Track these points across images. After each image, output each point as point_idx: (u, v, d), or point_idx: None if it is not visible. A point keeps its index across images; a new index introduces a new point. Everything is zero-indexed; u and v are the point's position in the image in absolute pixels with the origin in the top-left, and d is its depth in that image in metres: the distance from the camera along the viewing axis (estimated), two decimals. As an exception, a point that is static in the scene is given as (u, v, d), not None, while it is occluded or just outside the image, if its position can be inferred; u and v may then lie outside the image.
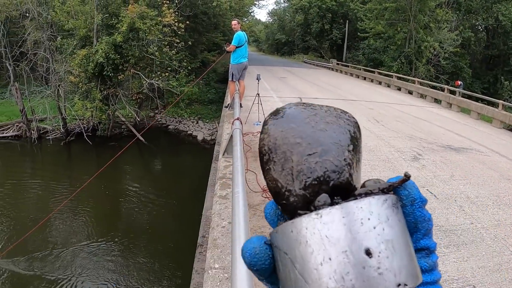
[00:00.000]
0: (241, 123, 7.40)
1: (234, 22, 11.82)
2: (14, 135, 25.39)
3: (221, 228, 4.91)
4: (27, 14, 26.27)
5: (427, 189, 6.84)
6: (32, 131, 24.65)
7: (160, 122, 27.76)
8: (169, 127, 27.76)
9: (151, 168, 22.73)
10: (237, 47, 11.46)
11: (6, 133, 25.49)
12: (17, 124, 25.66)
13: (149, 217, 15.19)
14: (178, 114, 28.59)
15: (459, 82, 26.64)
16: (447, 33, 35.12)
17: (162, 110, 26.79)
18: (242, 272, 2.52)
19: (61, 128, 24.61)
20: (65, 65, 23.83)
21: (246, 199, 3.81)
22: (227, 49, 11.87)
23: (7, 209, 15.08)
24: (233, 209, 3.55)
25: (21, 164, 21.53)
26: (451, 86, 23.53)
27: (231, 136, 6.83)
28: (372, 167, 7.86)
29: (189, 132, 26.79)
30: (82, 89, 23.48)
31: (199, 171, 19.45)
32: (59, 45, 24.28)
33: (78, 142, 23.89)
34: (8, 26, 29.24)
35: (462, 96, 19.57)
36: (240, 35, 11.37)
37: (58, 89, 24.52)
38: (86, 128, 24.05)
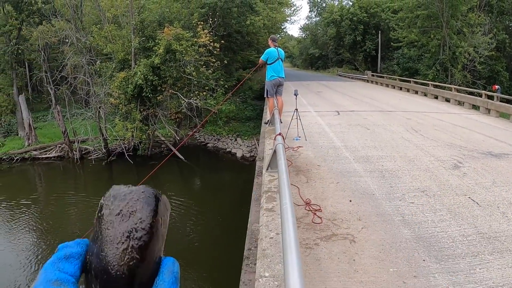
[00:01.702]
0: (283, 138, 7.64)
1: (268, 40, 12.12)
2: (57, 156, 26.42)
3: (269, 239, 5.09)
4: (66, 40, 27.25)
5: (469, 197, 6.88)
6: (74, 152, 25.57)
7: (199, 140, 28.20)
8: (208, 145, 28.18)
9: (191, 185, 23.06)
10: (269, 64, 11.64)
11: (49, 154, 26.51)
12: (59, 145, 26.65)
13: (193, 232, 15.45)
14: (216, 132, 29.00)
15: (497, 86, 26.19)
16: (481, 37, 34.62)
17: (201, 128, 27.21)
18: (294, 279, 2.66)
19: (103, 148, 25.40)
20: (104, 88, 24.59)
21: (294, 210, 3.98)
22: (259, 65, 12.21)
23: (52, 224, 15.73)
24: (282, 220, 3.71)
25: (65, 182, 22.31)
26: (489, 91, 23.19)
27: (274, 151, 7.05)
28: (413, 177, 7.93)
29: (228, 150, 27.11)
30: (122, 110, 24.15)
31: (239, 187, 19.73)
32: (98, 69, 25.16)
33: (119, 162, 24.55)
34: (48, 52, 30.52)
35: (500, 101, 19.22)
36: (270, 51, 11.54)
37: (98, 111, 25.32)
38: (127, 148, 24.70)
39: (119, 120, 24.22)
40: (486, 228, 5.72)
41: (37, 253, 14.17)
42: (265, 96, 12.72)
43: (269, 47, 11.90)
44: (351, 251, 5.00)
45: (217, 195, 19.98)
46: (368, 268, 4.60)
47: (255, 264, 4.69)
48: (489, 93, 20.53)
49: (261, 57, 11.85)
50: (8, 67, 30.41)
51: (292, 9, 53.87)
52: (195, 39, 24.16)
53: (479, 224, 5.84)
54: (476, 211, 6.30)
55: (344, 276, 4.43)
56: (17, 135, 30.01)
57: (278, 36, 50.66)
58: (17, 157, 26.32)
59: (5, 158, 26.34)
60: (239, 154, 26.08)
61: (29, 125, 27.72)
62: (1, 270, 13.05)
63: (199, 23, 25.06)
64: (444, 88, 25.56)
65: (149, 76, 22.62)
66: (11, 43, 29.26)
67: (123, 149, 24.60)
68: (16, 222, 17.12)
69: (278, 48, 11.77)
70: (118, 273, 0.75)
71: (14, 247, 14.96)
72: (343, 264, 4.69)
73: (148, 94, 23.04)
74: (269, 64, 11.61)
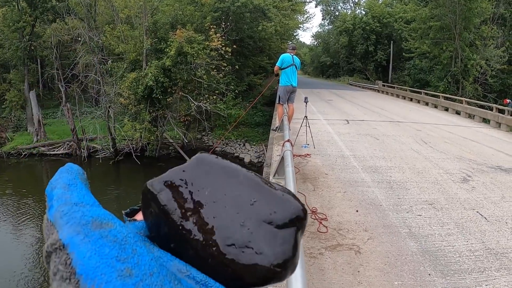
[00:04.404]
0: (292, 145, 7.61)
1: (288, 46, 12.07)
2: (65, 153, 26.57)
3: (274, 247, 5.06)
4: (79, 39, 27.43)
5: (477, 211, 6.82)
6: (82, 150, 25.73)
7: (207, 144, 28.22)
8: (216, 149, 28.20)
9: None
10: (282, 69, 11.51)
11: (57, 150, 26.68)
12: (68, 142, 26.81)
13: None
14: (225, 136, 29.04)
15: (508, 101, 25.96)
16: (493, 50, 34.49)
17: (229, 133, 27.14)
18: None
19: (111, 147, 25.51)
20: (115, 87, 24.67)
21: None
22: (275, 72, 12.10)
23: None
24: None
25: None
26: (500, 104, 23.05)
27: (282, 157, 7.02)
28: (421, 189, 7.88)
29: (236, 154, 27.09)
30: (132, 111, 24.24)
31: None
32: (109, 68, 25.26)
33: (127, 162, 24.61)
34: (60, 49, 30.72)
35: (511, 115, 19.15)
36: (284, 57, 11.38)
37: (108, 110, 25.40)
38: (134, 149, 24.77)
39: (128, 120, 24.29)
40: (494, 244, 5.66)
41: (41, 247, 14.20)
42: (276, 102, 12.56)
43: (284, 52, 11.81)
44: (356, 262, 4.96)
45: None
46: (372, 280, 4.56)
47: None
48: (500, 107, 20.43)
49: (276, 64, 11.70)
50: (21, 63, 30.56)
51: (305, 16, 54.07)
52: (207, 43, 24.21)
53: (487, 239, 5.79)
54: (484, 226, 6.25)
55: (348, 288, 4.39)
56: (26, 130, 30.19)
57: (290, 43, 50.77)
58: (25, 152, 26.50)
59: (13, 153, 26.52)
60: (247, 159, 26.06)
61: (39, 121, 27.88)
62: (6, 263, 13.14)
63: (211, 26, 25.13)
64: (454, 100, 25.46)
65: (159, 78, 22.69)
66: (24, 39, 29.43)
67: (131, 149, 24.66)
68: (22, 216, 17.27)
69: (294, 56, 11.61)
70: None
71: (19, 240, 15.08)
72: (347, 275, 4.65)
73: (158, 95, 23.08)
74: (282, 69, 11.47)
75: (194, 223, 0.52)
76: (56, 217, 0.46)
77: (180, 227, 0.52)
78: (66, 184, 0.53)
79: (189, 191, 0.56)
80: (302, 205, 0.58)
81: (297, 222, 0.56)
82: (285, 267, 0.51)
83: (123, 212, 0.61)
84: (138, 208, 0.61)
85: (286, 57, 11.37)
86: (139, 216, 0.59)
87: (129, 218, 0.59)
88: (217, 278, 0.49)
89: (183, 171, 0.58)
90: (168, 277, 0.42)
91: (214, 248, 0.49)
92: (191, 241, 0.51)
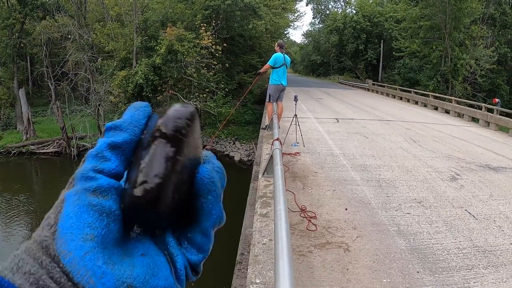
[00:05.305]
0: (281, 143, 7.60)
1: (275, 44, 12.03)
2: (54, 151, 26.40)
3: (262, 245, 5.07)
4: (69, 36, 27.29)
5: (465, 209, 6.86)
6: (72, 148, 25.54)
7: (197, 142, 28.09)
8: (206, 147, 28.02)
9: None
10: (273, 68, 11.54)
11: (46, 149, 26.51)
12: (57, 141, 26.65)
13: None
14: (215, 135, 28.99)
15: (497, 100, 26.21)
16: (483, 49, 34.74)
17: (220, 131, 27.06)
18: (285, 287, 2.61)
19: (100, 146, 25.32)
20: (105, 86, 24.58)
21: (287, 216, 3.94)
22: (261, 70, 12.07)
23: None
24: (276, 226, 3.67)
25: (60, 178, 22.24)
26: (489, 104, 23.23)
27: (271, 156, 7.01)
28: (410, 188, 7.91)
29: (226, 153, 27.03)
30: (122, 109, 24.06)
31: (236, 191, 19.63)
32: (99, 66, 25.16)
33: (116, 160, 24.47)
34: (50, 47, 30.53)
35: (500, 114, 19.26)
36: (277, 56, 11.42)
37: (98, 109, 25.32)
38: (124, 147, 24.60)
39: (118, 119, 24.10)
40: (482, 242, 5.70)
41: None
42: (266, 101, 12.60)
43: (275, 52, 11.80)
44: (345, 260, 4.97)
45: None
46: (361, 278, 4.57)
47: (247, 269, 4.66)
48: (489, 106, 20.60)
49: (268, 62, 11.67)
50: (10, 60, 30.34)
51: (296, 14, 54.00)
52: (198, 41, 24.14)
53: (475, 237, 5.82)
54: (472, 224, 6.28)
55: (337, 285, 4.39)
56: (16, 128, 29.97)
57: (279, 40, 50.75)
58: (15, 151, 26.30)
59: (2, 152, 26.31)
60: (236, 158, 26.03)
61: (28, 119, 27.69)
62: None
63: (202, 24, 25.04)
64: (444, 99, 25.60)
65: (150, 76, 22.62)
66: (14, 36, 29.22)
67: (120, 147, 24.49)
68: (11, 215, 17.14)
69: (285, 55, 11.66)
70: None
71: (8, 239, 14.98)
72: (336, 273, 4.65)
73: (148, 93, 23.02)
74: (274, 68, 11.49)
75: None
76: (77, 176, 0.50)
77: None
78: (116, 145, 0.52)
79: None
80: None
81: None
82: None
83: None
84: None
85: (279, 56, 11.40)
86: None
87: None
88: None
89: None
90: (117, 254, 0.46)
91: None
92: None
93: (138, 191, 0.47)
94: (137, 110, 0.55)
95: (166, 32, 23.18)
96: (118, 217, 0.48)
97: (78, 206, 0.47)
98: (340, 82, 51.65)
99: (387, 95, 33.71)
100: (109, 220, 0.46)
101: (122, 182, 0.50)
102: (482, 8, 34.25)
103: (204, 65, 24.64)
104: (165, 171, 0.47)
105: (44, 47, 29.74)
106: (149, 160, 0.48)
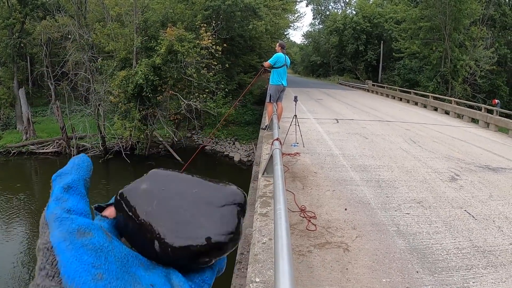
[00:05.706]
0: (281, 143, 7.61)
1: (277, 45, 12.01)
2: (54, 151, 26.39)
3: (261, 244, 5.07)
4: (69, 36, 27.27)
5: (465, 210, 6.87)
6: (71, 148, 25.53)
7: (197, 142, 28.14)
8: (206, 148, 28.12)
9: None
10: (274, 68, 11.53)
11: (46, 149, 26.51)
12: (57, 141, 26.65)
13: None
14: (215, 135, 28.95)
15: (496, 101, 26.20)
16: (482, 50, 34.78)
17: (217, 132, 27.07)
18: (285, 286, 2.62)
19: (100, 146, 25.38)
20: (105, 86, 24.55)
21: (287, 216, 3.94)
22: (265, 64, 12.01)
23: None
24: (276, 225, 3.67)
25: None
26: (488, 105, 23.23)
27: (271, 156, 7.02)
28: (410, 188, 7.92)
29: (225, 153, 27.06)
30: (122, 109, 24.11)
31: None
32: (99, 66, 25.12)
33: (116, 160, 24.49)
34: (50, 47, 30.52)
35: (499, 115, 19.28)
36: (278, 56, 11.41)
37: (98, 109, 25.29)
38: (124, 147, 24.70)
39: (118, 119, 24.14)
40: (481, 242, 5.70)
41: (30, 245, 14.16)
42: (266, 101, 12.59)
43: (275, 52, 11.78)
44: (345, 259, 4.98)
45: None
46: (360, 277, 4.57)
47: (247, 268, 4.66)
48: (489, 107, 20.60)
49: (268, 61, 11.67)
50: (10, 60, 30.32)
51: (296, 15, 53.95)
52: (198, 41, 24.10)
53: (474, 237, 5.83)
54: (472, 224, 6.29)
55: (336, 285, 4.40)
56: (15, 128, 29.94)
57: (280, 41, 50.78)
58: (14, 151, 26.28)
59: (2, 151, 26.30)
60: (236, 158, 26.03)
61: (28, 119, 27.67)
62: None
63: (202, 25, 25.00)
64: (444, 100, 25.61)
65: (149, 76, 22.57)
66: (14, 36, 29.20)
67: (120, 147, 24.57)
68: (11, 214, 17.15)
69: (286, 56, 11.66)
70: None
71: (8, 239, 14.98)
72: (336, 272, 4.66)
73: (148, 94, 22.99)
74: (275, 68, 11.49)
75: (149, 224, 0.60)
76: (50, 219, 0.54)
77: (143, 226, 0.61)
78: (68, 186, 0.61)
79: (148, 197, 0.64)
80: (242, 191, 0.67)
81: (237, 203, 0.64)
82: (225, 239, 0.59)
83: (93, 207, 0.67)
84: (105, 205, 0.69)
85: (280, 56, 11.41)
86: (107, 212, 0.67)
87: (100, 214, 0.66)
88: (177, 263, 0.60)
89: (144, 182, 0.67)
90: (129, 282, 0.51)
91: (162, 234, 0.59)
92: (150, 234, 0.60)
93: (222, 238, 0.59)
94: (75, 159, 0.67)
95: (166, 33, 23.12)
96: (111, 248, 0.53)
97: (74, 249, 0.49)
98: (340, 83, 51.60)
99: (387, 96, 33.70)
100: (105, 255, 0.51)
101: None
102: (482, 9, 34.29)
103: (204, 65, 24.57)
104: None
105: (44, 47, 29.73)
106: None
